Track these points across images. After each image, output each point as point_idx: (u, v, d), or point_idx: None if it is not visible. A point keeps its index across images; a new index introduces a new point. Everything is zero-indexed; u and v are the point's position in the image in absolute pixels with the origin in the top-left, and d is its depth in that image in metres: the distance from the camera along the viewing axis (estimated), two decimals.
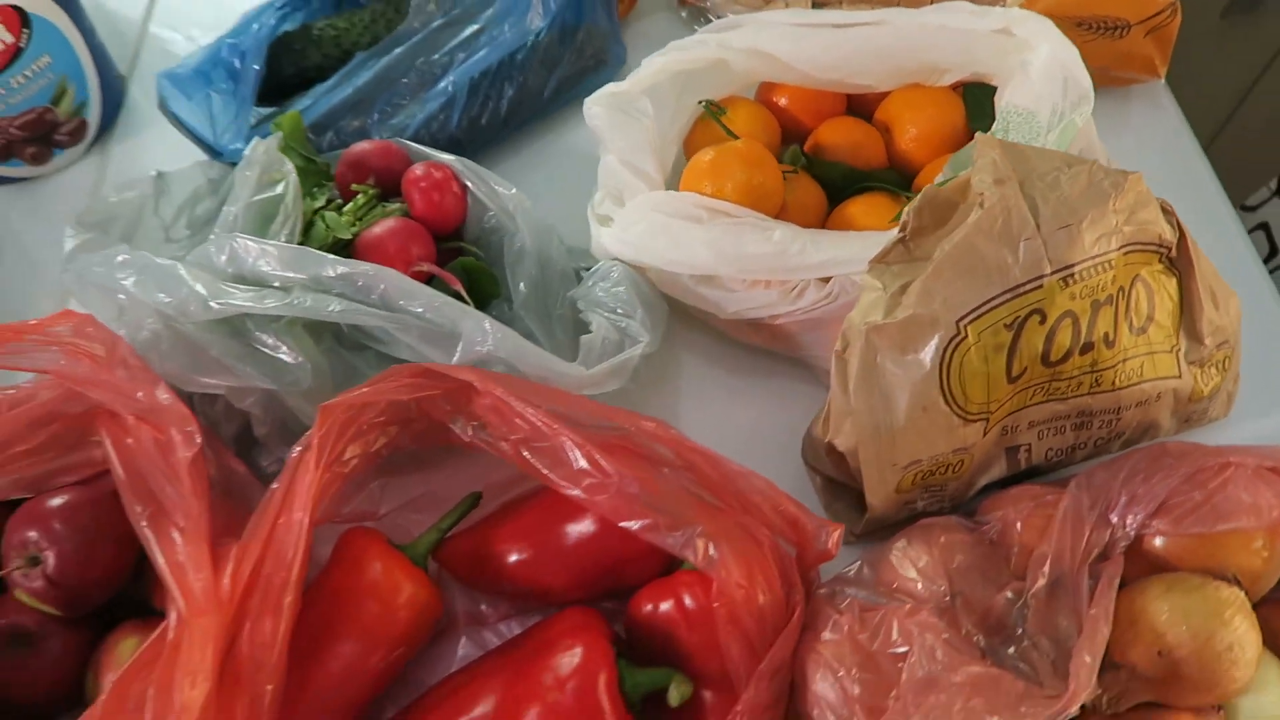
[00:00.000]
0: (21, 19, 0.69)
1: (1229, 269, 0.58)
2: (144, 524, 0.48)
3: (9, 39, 0.69)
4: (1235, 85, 1.28)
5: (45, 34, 0.71)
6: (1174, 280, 0.55)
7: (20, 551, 0.50)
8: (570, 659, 0.48)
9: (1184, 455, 0.52)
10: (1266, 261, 0.99)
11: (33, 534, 0.50)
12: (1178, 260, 0.54)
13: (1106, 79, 0.78)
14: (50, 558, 0.49)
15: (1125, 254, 0.52)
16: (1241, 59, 1.25)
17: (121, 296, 0.55)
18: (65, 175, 0.79)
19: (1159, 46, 0.76)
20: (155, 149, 0.80)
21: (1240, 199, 1.01)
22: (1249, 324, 0.62)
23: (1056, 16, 0.72)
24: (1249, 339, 0.63)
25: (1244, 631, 0.46)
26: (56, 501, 0.51)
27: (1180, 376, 0.55)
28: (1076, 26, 0.74)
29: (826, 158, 0.69)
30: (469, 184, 0.65)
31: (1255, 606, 0.51)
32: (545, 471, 0.50)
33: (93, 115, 0.79)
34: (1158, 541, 0.51)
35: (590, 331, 0.57)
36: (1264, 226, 0.98)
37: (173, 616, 0.45)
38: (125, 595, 0.55)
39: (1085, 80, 0.60)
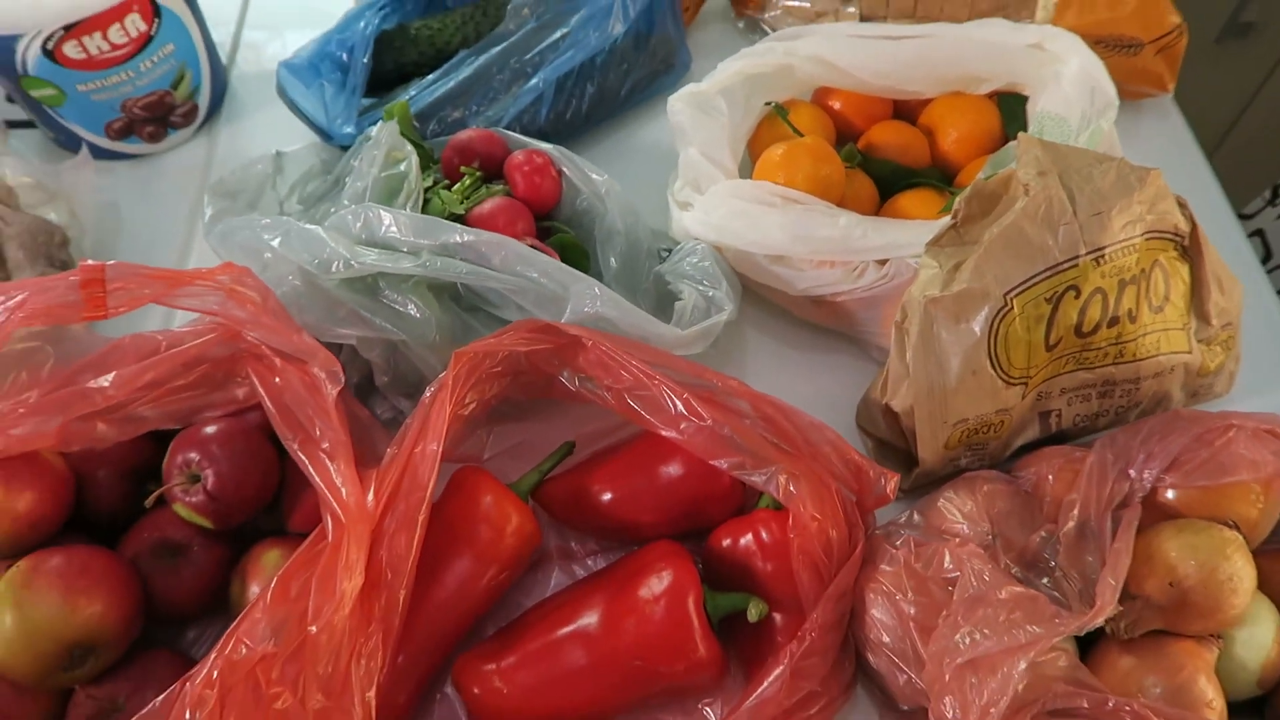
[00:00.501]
0: (155, 10, 0.76)
1: (1232, 267, 0.66)
2: (296, 448, 0.55)
3: (144, 27, 0.76)
4: (1230, 104, 1.37)
5: (171, 24, 0.79)
6: (1186, 266, 0.63)
7: (183, 470, 0.57)
8: (661, 580, 0.55)
9: (1194, 420, 0.60)
10: (1262, 264, 1.08)
11: (194, 455, 0.57)
12: (1190, 248, 0.62)
13: (1120, 93, 0.86)
14: (209, 475, 0.56)
15: (1147, 240, 0.59)
16: (1235, 80, 1.34)
17: (267, 255, 0.62)
18: (176, 154, 0.87)
19: (1168, 63, 0.84)
20: (257, 133, 0.88)
21: (1237, 209, 1.09)
22: (1250, 316, 0.70)
23: (1078, 34, 0.81)
24: (1250, 329, 0.71)
25: (1241, 565, 0.54)
26: (213, 429, 0.58)
27: (1191, 352, 0.63)
28: (1095, 44, 0.82)
29: (878, 156, 0.77)
30: (564, 169, 0.72)
31: (1252, 553, 0.59)
32: (647, 416, 0.58)
33: (203, 100, 0.86)
34: (1170, 494, 0.58)
35: (680, 299, 0.65)
36: (1260, 233, 1.07)
37: (328, 523, 0.52)
38: (256, 521, 0.61)
39: (1111, 90, 0.68)
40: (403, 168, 0.67)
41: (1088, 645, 0.57)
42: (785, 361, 0.74)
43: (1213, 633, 0.55)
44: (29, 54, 0.73)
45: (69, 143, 0.83)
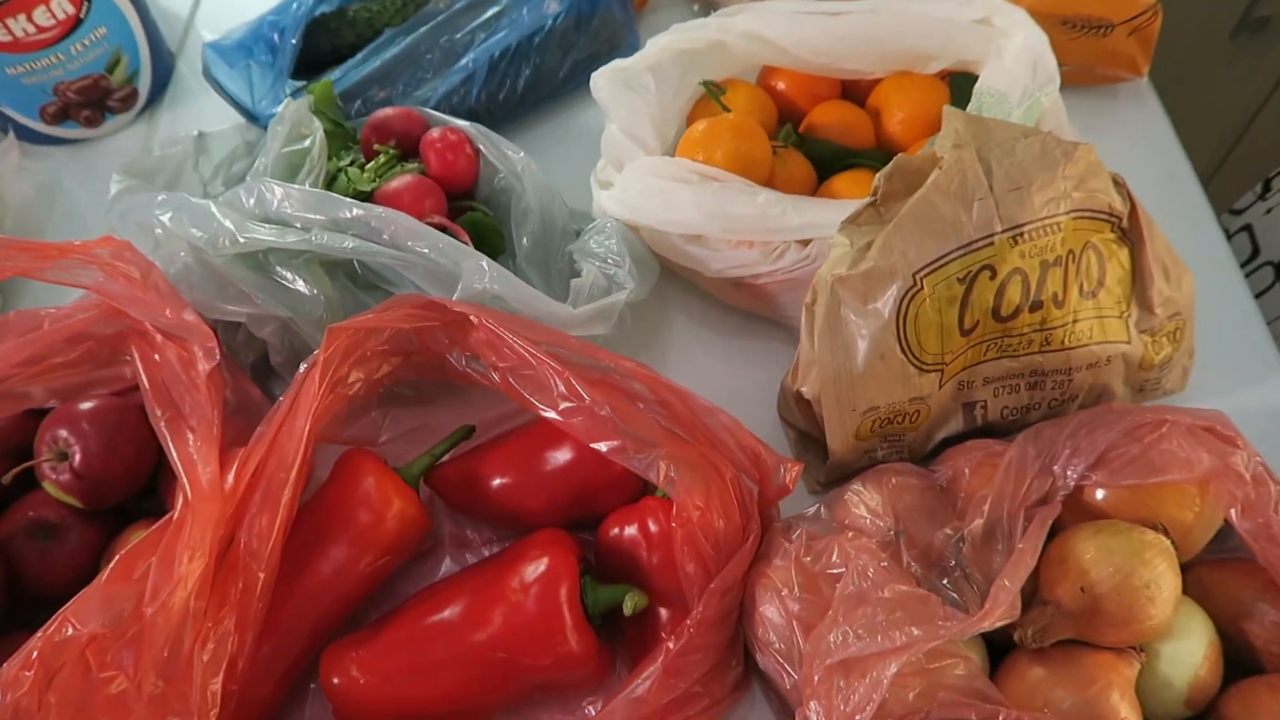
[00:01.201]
0: None
1: (1204, 261, 0.61)
2: (162, 425, 0.53)
3: (70, 10, 0.76)
4: (1246, 99, 1.30)
5: (103, 7, 0.78)
6: (1125, 250, 0.58)
7: (51, 446, 0.55)
8: (535, 568, 0.52)
9: (1125, 413, 0.55)
10: (1249, 262, 1.01)
11: (63, 432, 0.55)
12: (1129, 231, 0.58)
13: (1092, 77, 0.82)
14: (77, 453, 0.55)
15: (1075, 219, 0.55)
16: (1251, 75, 1.27)
17: (159, 231, 0.61)
18: (115, 139, 0.86)
19: (1141, 46, 0.79)
20: (199, 119, 0.87)
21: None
22: (1220, 313, 0.65)
23: (1041, 14, 0.76)
24: (1219, 326, 0.66)
25: (1162, 571, 0.49)
26: (86, 405, 0.57)
27: (1130, 342, 0.58)
28: (1061, 24, 0.78)
29: (818, 136, 0.73)
30: (481, 148, 0.70)
31: (1190, 565, 0.54)
32: (528, 396, 0.55)
33: (143, 84, 0.85)
34: (1098, 494, 0.54)
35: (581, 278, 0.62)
36: (1248, 229, 1.01)
37: (179, 501, 0.50)
38: (139, 502, 0.60)
39: (1052, 64, 0.64)
40: (306, 143, 0.65)
41: (1003, 655, 0.53)
42: (709, 347, 0.71)
43: (1131, 645, 0.50)
44: None
45: (7, 126, 0.82)
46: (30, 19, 0.74)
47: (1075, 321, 0.57)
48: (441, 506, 0.62)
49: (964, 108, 0.71)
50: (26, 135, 0.83)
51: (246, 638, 0.51)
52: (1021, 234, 0.54)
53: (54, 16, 0.75)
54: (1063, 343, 0.57)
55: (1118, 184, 0.58)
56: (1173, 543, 0.52)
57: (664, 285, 0.70)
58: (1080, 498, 0.55)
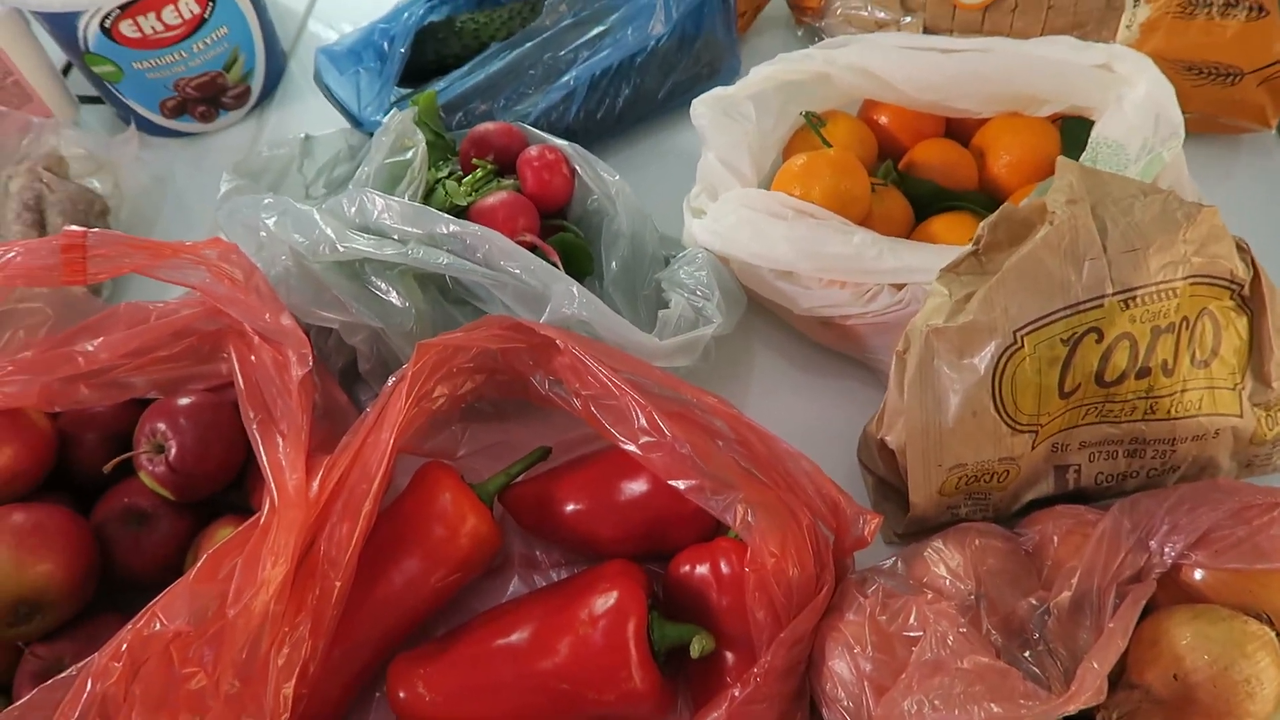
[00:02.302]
0: None
1: None
2: (254, 426, 0.55)
3: (197, 10, 0.79)
4: None
5: (226, 8, 0.81)
6: (1245, 319, 0.55)
7: (149, 439, 0.57)
8: (605, 601, 0.52)
9: (1234, 492, 0.52)
10: None
11: (161, 425, 0.57)
12: (1250, 299, 0.55)
13: (1214, 125, 0.78)
14: (173, 447, 0.56)
15: (1192, 284, 0.53)
16: None
17: (262, 233, 0.62)
18: (226, 134, 0.89)
19: (1273, 97, 0.75)
20: (307, 120, 0.89)
21: None
22: None
23: (1166, 59, 0.73)
24: None
25: (1265, 667, 0.46)
26: (184, 401, 0.58)
27: (1242, 415, 0.55)
28: (1185, 70, 0.75)
29: (919, 175, 0.72)
30: (577, 168, 0.70)
31: None
32: (608, 426, 0.55)
33: (256, 83, 0.88)
34: (1196, 574, 0.51)
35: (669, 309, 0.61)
36: None
37: (266, 505, 0.51)
38: (226, 496, 0.62)
39: (1177, 117, 0.61)
40: (409, 155, 0.66)
41: None
42: (792, 382, 0.70)
43: None
44: (89, 31, 0.76)
45: (130, 118, 0.86)
46: (159, 17, 0.77)
47: (1184, 391, 0.54)
48: (513, 525, 0.63)
49: (1077, 155, 0.68)
50: (145, 127, 0.86)
51: (320, 643, 0.51)
52: (1134, 298, 0.52)
53: (181, 16, 0.78)
54: (1169, 412, 0.54)
55: (1241, 249, 0.55)
56: (1278, 635, 0.49)
57: (749, 316, 0.70)
58: (1176, 576, 0.52)
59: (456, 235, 0.60)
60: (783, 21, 0.92)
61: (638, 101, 0.80)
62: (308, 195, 0.76)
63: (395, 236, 0.61)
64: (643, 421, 0.54)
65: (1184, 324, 0.53)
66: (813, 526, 0.54)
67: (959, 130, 0.76)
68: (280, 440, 0.54)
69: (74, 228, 0.55)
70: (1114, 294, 0.52)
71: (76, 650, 0.55)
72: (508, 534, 0.63)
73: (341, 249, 0.59)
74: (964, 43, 0.70)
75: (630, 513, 0.57)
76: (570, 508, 0.58)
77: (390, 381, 0.56)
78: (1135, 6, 0.76)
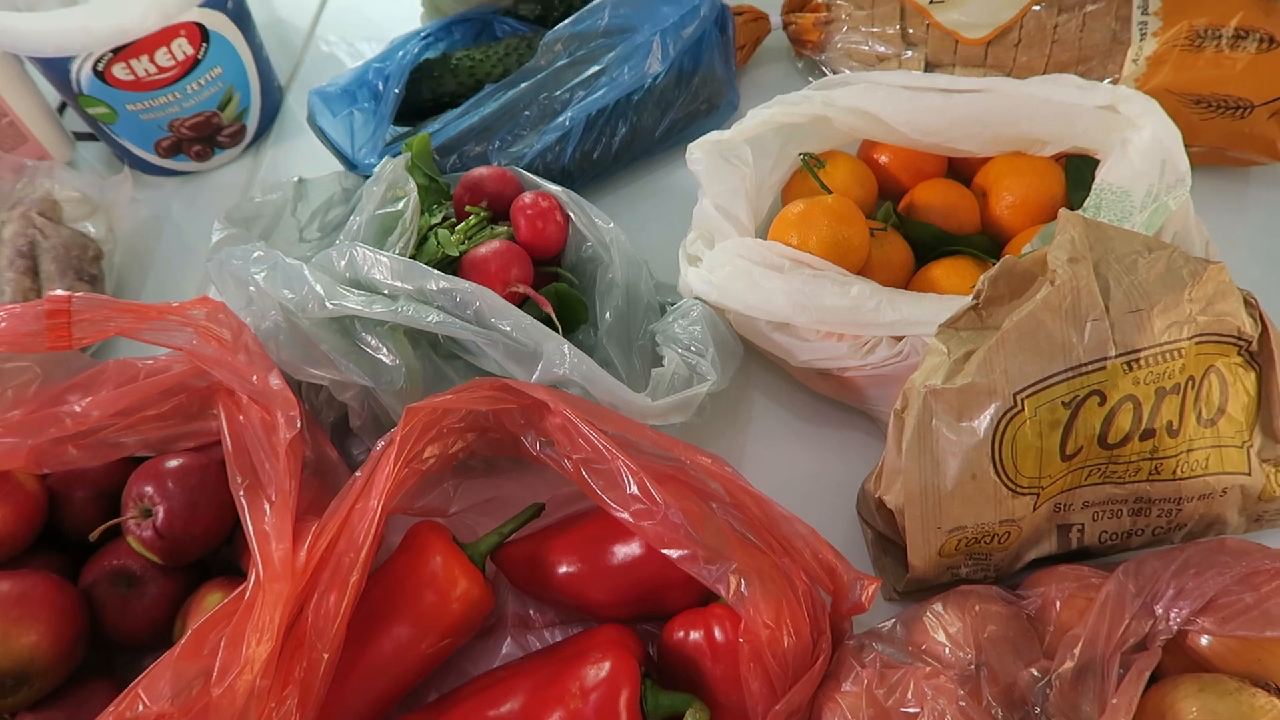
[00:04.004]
0: (202, 34, 0.78)
1: None
2: (241, 493, 0.54)
3: (190, 51, 0.78)
4: None
5: (220, 48, 0.80)
6: (1252, 375, 0.54)
7: (136, 502, 0.56)
8: (597, 671, 0.51)
9: (1242, 554, 0.51)
10: None
11: (149, 489, 0.56)
12: (1258, 355, 0.53)
13: (1223, 159, 0.76)
14: (160, 512, 0.56)
15: (1198, 344, 0.51)
16: None
17: (252, 288, 0.62)
18: (222, 173, 0.89)
19: None
20: (303, 155, 0.89)
21: None
22: None
23: (1174, 92, 0.72)
24: None
25: None
26: (172, 463, 0.58)
27: (1250, 474, 0.54)
28: (1194, 104, 0.73)
29: (919, 218, 0.70)
30: (571, 215, 0.69)
31: None
32: (599, 492, 0.54)
33: (252, 121, 0.88)
34: (1202, 640, 0.50)
35: (662, 365, 0.60)
36: None
37: (252, 578, 0.50)
38: (219, 555, 0.61)
39: (1184, 165, 0.60)
40: (400, 205, 0.66)
41: None
42: (790, 430, 0.69)
43: None
44: (82, 74, 0.76)
45: (125, 157, 0.86)
46: (152, 60, 0.76)
47: (1190, 451, 0.53)
48: (506, 583, 0.62)
49: (1081, 194, 0.67)
50: (140, 166, 0.86)
51: (307, 716, 0.51)
52: (1137, 360, 0.50)
53: (174, 58, 0.77)
54: (1174, 473, 0.53)
55: (1249, 304, 0.53)
56: None
57: (748, 362, 0.69)
58: (1183, 642, 0.51)
59: (447, 291, 0.59)
60: (783, 54, 0.90)
61: (635, 140, 0.79)
62: (301, 238, 0.75)
63: (385, 292, 0.60)
64: (634, 488, 0.53)
65: (1190, 384, 0.52)
66: (809, 592, 0.53)
67: (961, 168, 0.75)
68: (267, 506, 0.53)
69: (59, 292, 0.54)
70: (1117, 356, 0.50)
71: (64, 719, 0.54)
72: (501, 592, 0.62)
73: (330, 306, 0.59)
74: (965, 82, 0.68)
75: (623, 577, 0.56)
76: (563, 570, 0.57)
77: (379, 446, 0.55)
78: (1142, 40, 0.74)
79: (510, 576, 0.61)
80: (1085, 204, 0.62)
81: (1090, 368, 0.51)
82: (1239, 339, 0.53)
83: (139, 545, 0.56)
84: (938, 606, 0.54)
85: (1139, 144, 0.62)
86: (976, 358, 0.52)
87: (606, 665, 0.52)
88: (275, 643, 0.48)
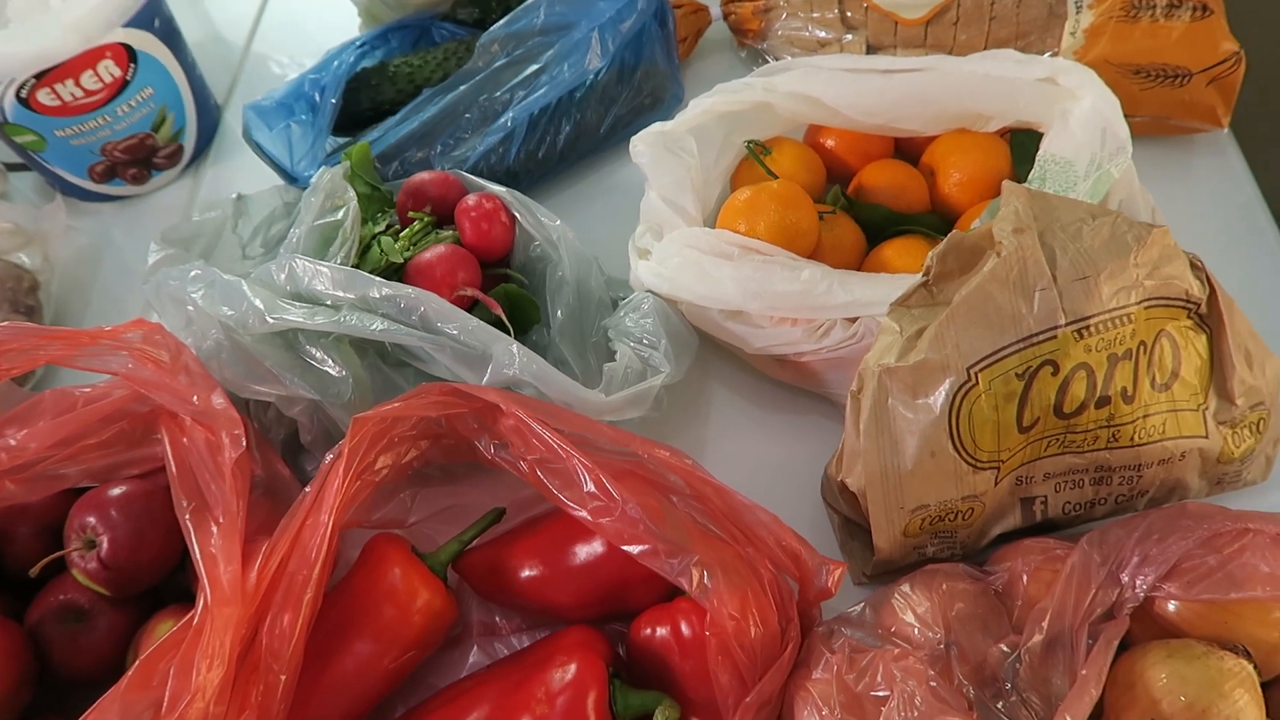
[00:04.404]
0: (130, 55, 0.76)
1: None
2: (187, 516, 0.52)
3: (117, 72, 0.76)
4: None
5: (150, 68, 0.78)
6: (1203, 337, 0.54)
7: (79, 535, 0.55)
8: (563, 675, 0.50)
9: (1203, 518, 0.51)
10: None
11: (91, 519, 0.55)
12: (1207, 317, 0.53)
13: (1166, 128, 0.77)
14: (105, 542, 0.54)
15: (1147, 308, 0.51)
16: None
17: (190, 308, 0.60)
18: (161, 195, 0.87)
19: (1222, 96, 0.74)
20: (244, 173, 0.87)
21: None
22: None
23: (1113, 64, 0.72)
24: None
25: (1244, 705, 0.45)
26: (115, 491, 0.56)
27: (1207, 436, 0.54)
28: (1134, 74, 0.73)
29: (868, 199, 0.70)
30: (517, 215, 0.68)
31: (1269, 684, 0.49)
32: (556, 492, 0.53)
33: (188, 141, 0.86)
34: (1169, 606, 0.50)
35: (614, 360, 0.59)
36: None
37: (200, 603, 0.48)
38: (173, 582, 0.59)
39: (1124, 132, 0.60)
40: (340, 215, 0.64)
41: None
42: (750, 419, 0.68)
43: None
44: (5, 101, 0.74)
45: (58, 185, 0.83)
46: (78, 83, 0.75)
47: (1146, 416, 0.53)
48: (470, 591, 0.60)
49: (1027, 168, 0.67)
50: (75, 193, 0.84)
51: None
52: (1088, 327, 0.50)
53: (101, 80, 0.75)
54: (1132, 439, 0.53)
55: (1195, 267, 0.53)
56: (1255, 667, 0.47)
57: (704, 354, 0.68)
58: (1150, 608, 0.50)
59: (390, 298, 0.57)
60: (725, 44, 0.90)
61: (579, 138, 0.78)
62: (244, 256, 0.74)
63: (328, 302, 0.59)
64: (590, 485, 0.52)
65: (1141, 349, 0.52)
66: (775, 580, 0.53)
67: (908, 148, 0.75)
68: (214, 529, 0.52)
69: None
70: (1067, 324, 0.50)
71: None
72: (465, 600, 0.60)
73: (271, 320, 0.57)
74: (905, 62, 0.68)
75: (586, 577, 0.55)
76: (525, 574, 0.56)
77: (328, 459, 0.53)
78: (1079, 13, 0.74)
79: (473, 584, 0.59)
80: (1030, 176, 0.62)
81: (1041, 337, 0.50)
82: (1187, 302, 0.53)
83: (84, 578, 0.55)
84: (905, 587, 0.53)
85: (1079, 114, 0.62)
86: (928, 334, 0.51)
87: (572, 668, 0.51)
88: (227, 668, 0.47)
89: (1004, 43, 0.77)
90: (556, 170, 0.80)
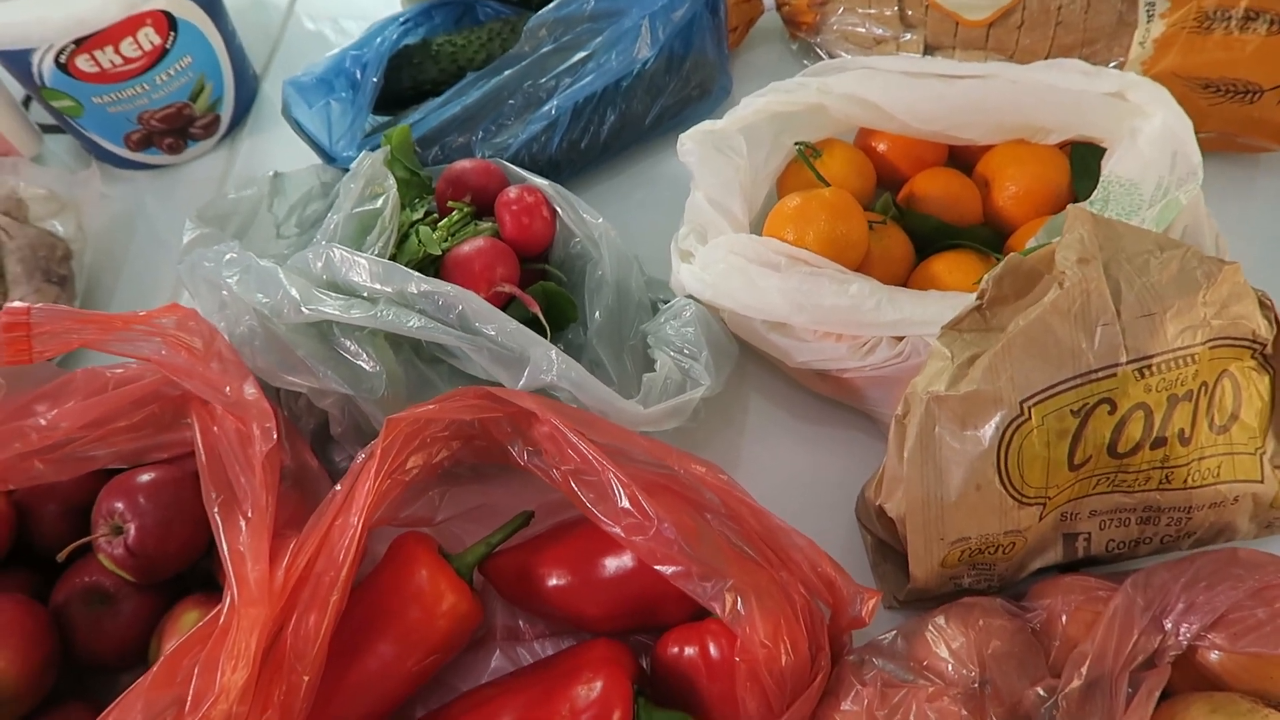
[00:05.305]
0: (170, 23, 0.75)
1: None
2: (215, 509, 0.52)
3: (157, 40, 0.75)
4: None
5: (189, 37, 0.77)
6: (1266, 378, 0.52)
7: (107, 520, 0.54)
8: (589, 691, 0.49)
9: (1255, 567, 0.49)
10: None
11: (119, 505, 0.54)
12: (1272, 358, 0.51)
13: (1231, 145, 0.74)
14: (132, 529, 0.54)
15: (1211, 348, 0.49)
16: None
17: (225, 293, 0.59)
18: (196, 165, 0.85)
19: None
20: (281, 146, 0.85)
21: None
22: None
23: (1181, 76, 0.70)
24: None
25: None
26: (144, 478, 0.55)
27: (1263, 481, 0.52)
28: (1203, 88, 0.70)
29: (919, 209, 0.68)
30: (559, 209, 0.67)
31: None
32: (590, 506, 0.52)
33: (226, 111, 0.84)
34: (1212, 656, 0.48)
35: (654, 370, 0.58)
36: None
37: (227, 601, 0.48)
38: (198, 567, 0.59)
39: (1195, 156, 0.57)
40: (379, 203, 0.63)
41: None
42: (787, 431, 0.66)
43: None
44: (44, 67, 0.72)
45: (94, 151, 0.82)
46: (118, 50, 0.73)
47: (1201, 459, 0.51)
48: (494, 593, 0.60)
49: (1086, 184, 0.65)
50: (110, 160, 0.83)
51: None
52: (1150, 366, 0.48)
53: (140, 48, 0.74)
54: (1185, 481, 0.51)
55: (1264, 305, 0.51)
56: None
57: (742, 361, 0.66)
58: (1191, 657, 0.49)
59: (429, 295, 0.56)
60: (776, 36, 0.87)
61: (624, 128, 0.76)
62: (279, 235, 0.72)
63: (365, 295, 0.58)
64: (625, 501, 0.50)
65: (1202, 390, 0.50)
66: (807, 606, 0.52)
67: (962, 156, 0.72)
68: (243, 524, 0.51)
69: (17, 303, 0.51)
70: (1128, 362, 0.48)
71: None
72: (490, 603, 0.60)
73: (306, 311, 0.56)
74: (967, 68, 0.66)
75: (616, 590, 0.54)
76: (553, 582, 0.55)
77: (359, 458, 0.53)
78: (1149, 22, 0.71)
79: (499, 588, 0.59)
80: (1093, 197, 0.59)
81: (1100, 374, 0.48)
82: (1253, 342, 0.51)
83: (111, 564, 0.54)
84: (940, 620, 0.52)
85: (1149, 134, 0.59)
86: (981, 363, 0.50)
87: (599, 685, 0.50)
88: (252, 668, 0.46)
89: (1069, 49, 0.74)
90: (599, 161, 0.78)
